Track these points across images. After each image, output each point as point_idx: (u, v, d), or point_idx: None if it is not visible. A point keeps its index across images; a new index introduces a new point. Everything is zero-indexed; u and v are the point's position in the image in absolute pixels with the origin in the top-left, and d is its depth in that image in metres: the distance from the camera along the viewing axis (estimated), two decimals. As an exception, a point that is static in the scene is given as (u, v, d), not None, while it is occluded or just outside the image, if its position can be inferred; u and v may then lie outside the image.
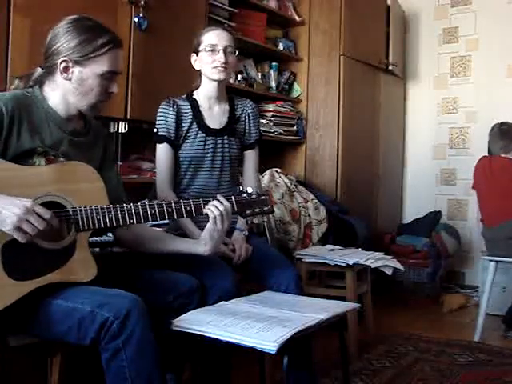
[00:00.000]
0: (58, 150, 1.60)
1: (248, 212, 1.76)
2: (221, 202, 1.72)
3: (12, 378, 1.91)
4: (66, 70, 1.59)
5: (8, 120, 1.51)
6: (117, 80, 1.67)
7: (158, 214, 1.61)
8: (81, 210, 1.51)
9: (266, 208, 1.78)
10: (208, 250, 1.76)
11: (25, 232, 1.38)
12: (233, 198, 1.75)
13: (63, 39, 1.58)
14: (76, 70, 1.59)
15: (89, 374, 1.89)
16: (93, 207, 1.52)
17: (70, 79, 1.60)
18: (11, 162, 1.49)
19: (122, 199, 1.74)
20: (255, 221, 1.79)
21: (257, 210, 1.77)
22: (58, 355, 1.64)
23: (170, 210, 1.63)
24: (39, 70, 1.66)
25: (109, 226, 1.54)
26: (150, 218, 1.60)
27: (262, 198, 1.79)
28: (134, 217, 1.57)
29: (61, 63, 1.58)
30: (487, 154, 3.44)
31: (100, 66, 1.59)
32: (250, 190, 1.79)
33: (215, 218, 1.70)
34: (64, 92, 1.62)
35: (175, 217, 1.65)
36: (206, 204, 1.71)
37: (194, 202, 1.69)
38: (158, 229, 2.04)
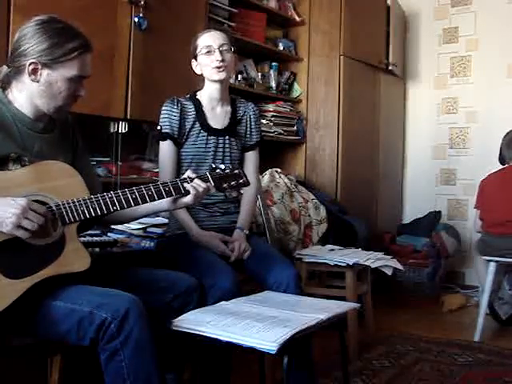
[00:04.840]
0: (31, 152, 1.60)
1: (225, 185, 1.80)
2: (202, 181, 1.74)
3: (12, 377, 1.91)
4: (34, 72, 1.57)
5: None
6: (84, 83, 1.65)
7: (139, 198, 1.62)
8: (64, 204, 1.51)
9: (241, 180, 1.83)
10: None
11: (25, 229, 1.39)
12: (208, 173, 1.78)
13: (32, 41, 1.56)
14: (44, 73, 1.57)
15: (89, 374, 1.89)
16: (75, 200, 1.53)
17: (37, 81, 1.58)
18: None
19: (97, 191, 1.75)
20: (234, 194, 1.84)
21: (233, 183, 1.81)
22: (58, 355, 1.64)
23: (149, 192, 1.64)
24: (5, 69, 1.63)
25: (94, 215, 1.55)
26: (132, 203, 1.61)
27: (236, 171, 1.83)
28: (117, 203, 1.58)
29: (29, 65, 1.56)
30: (500, 163, 3.40)
31: (69, 70, 1.58)
32: (222, 166, 1.83)
33: (196, 194, 1.71)
34: (31, 93, 1.60)
35: (156, 198, 1.66)
36: (185, 182, 1.72)
37: (171, 182, 1.70)
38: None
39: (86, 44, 1.62)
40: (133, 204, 1.61)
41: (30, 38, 1.56)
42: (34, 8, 2.19)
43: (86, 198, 1.55)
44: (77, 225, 1.55)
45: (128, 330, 1.40)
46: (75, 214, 1.52)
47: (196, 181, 1.73)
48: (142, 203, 1.63)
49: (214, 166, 1.84)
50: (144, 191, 1.63)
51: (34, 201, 1.46)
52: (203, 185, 1.73)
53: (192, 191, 1.71)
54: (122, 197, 1.59)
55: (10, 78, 1.62)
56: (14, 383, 1.97)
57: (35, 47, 1.56)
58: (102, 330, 1.41)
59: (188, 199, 1.73)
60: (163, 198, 1.67)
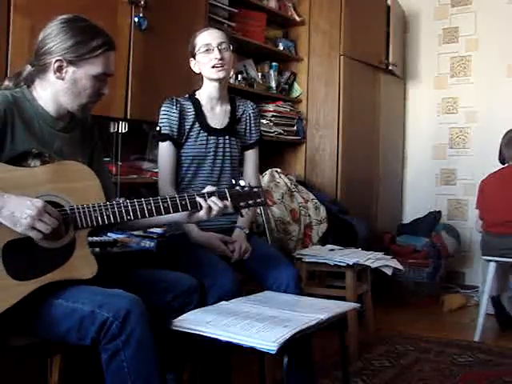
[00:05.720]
0: (51, 149, 1.60)
1: (242, 204, 1.77)
2: (221, 200, 1.72)
3: (12, 378, 1.91)
4: (59, 69, 1.59)
5: (1, 124, 1.51)
6: (108, 81, 1.67)
7: (154, 210, 1.61)
8: (78, 209, 1.51)
9: (258, 200, 1.79)
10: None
11: (39, 231, 1.40)
12: (226, 191, 1.75)
13: (58, 39, 1.58)
14: (70, 70, 1.59)
15: (89, 374, 1.89)
16: (90, 205, 1.52)
17: (62, 79, 1.60)
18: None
19: (110, 194, 1.75)
20: (250, 213, 1.82)
21: (250, 202, 1.78)
22: (58, 355, 1.64)
23: (165, 205, 1.63)
24: (29, 68, 1.65)
25: (107, 223, 1.55)
26: (146, 214, 1.60)
27: (255, 190, 1.80)
28: (131, 213, 1.58)
29: (55, 62, 1.58)
30: (500, 162, 3.41)
31: (94, 67, 1.60)
32: (242, 182, 1.80)
33: (210, 211, 1.70)
34: (55, 91, 1.62)
35: (171, 211, 1.65)
36: (202, 197, 1.71)
37: (188, 196, 1.69)
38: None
39: (110, 42, 1.64)
40: (147, 215, 1.60)
41: (55, 36, 1.58)
42: (34, 8, 2.19)
43: (102, 204, 1.54)
44: (88, 230, 1.55)
45: (130, 330, 1.40)
46: (88, 219, 1.52)
47: (213, 198, 1.70)
48: (157, 215, 1.62)
49: (234, 181, 1.81)
50: (160, 203, 1.62)
51: (48, 201, 1.46)
52: (220, 204, 1.70)
53: (205, 207, 1.69)
54: (137, 207, 1.59)
55: (33, 76, 1.64)
56: (14, 383, 1.97)
57: (60, 45, 1.57)
58: (104, 329, 1.41)
59: (203, 215, 1.71)
60: (178, 211, 1.66)
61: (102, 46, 1.61)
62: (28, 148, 1.55)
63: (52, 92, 1.62)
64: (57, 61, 1.58)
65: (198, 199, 1.69)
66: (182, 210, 1.67)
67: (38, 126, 1.61)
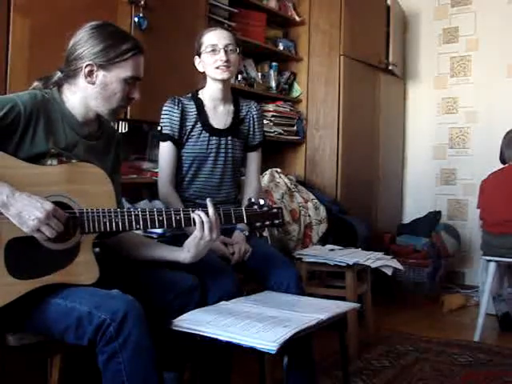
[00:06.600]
0: (71, 153, 1.61)
1: (258, 224, 1.75)
2: (209, 209, 1.69)
3: (12, 377, 1.91)
4: (90, 73, 1.61)
5: (24, 122, 1.52)
6: (138, 86, 1.69)
7: (165, 222, 1.59)
8: (87, 213, 1.50)
9: (276, 221, 1.76)
10: (189, 257, 1.71)
11: (44, 234, 1.40)
12: (243, 209, 1.74)
13: (88, 44, 1.60)
14: (100, 74, 1.61)
15: (88, 374, 1.89)
16: (100, 210, 1.52)
17: (93, 83, 1.62)
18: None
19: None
20: (264, 234, 1.76)
21: (267, 222, 1.76)
22: (58, 355, 1.64)
23: (178, 217, 1.62)
24: (59, 74, 1.68)
25: (115, 230, 1.54)
26: (157, 225, 1.59)
27: (274, 210, 1.77)
28: (141, 222, 1.57)
29: (85, 67, 1.60)
30: (501, 162, 3.40)
31: (124, 71, 1.62)
32: (261, 201, 1.77)
33: (202, 223, 1.66)
34: (85, 96, 1.63)
35: (183, 225, 1.63)
36: (218, 211, 1.69)
37: (202, 210, 1.68)
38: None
39: (138, 45, 1.66)
40: (157, 225, 1.60)
41: (85, 42, 1.61)
42: (34, 8, 2.19)
43: (112, 210, 1.54)
44: (95, 235, 1.54)
45: (127, 333, 1.40)
46: (96, 224, 1.51)
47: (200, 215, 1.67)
48: (167, 227, 1.62)
49: (252, 200, 1.77)
50: (172, 215, 1.61)
51: (58, 202, 1.45)
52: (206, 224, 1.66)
53: (197, 219, 1.67)
54: (148, 217, 1.57)
55: (62, 81, 1.66)
56: (14, 383, 1.97)
57: (91, 49, 1.60)
58: (101, 331, 1.40)
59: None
60: (190, 225, 1.66)
61: (132, 50, 1.63)
62: (47, 148, 1.55)
63: (82, 97, 1.64)
64: (87, 65, 1.60)
65: (211, 215, 1.67)
66: (195, 224, 1.66)
67: (62, 129, 1.61)
